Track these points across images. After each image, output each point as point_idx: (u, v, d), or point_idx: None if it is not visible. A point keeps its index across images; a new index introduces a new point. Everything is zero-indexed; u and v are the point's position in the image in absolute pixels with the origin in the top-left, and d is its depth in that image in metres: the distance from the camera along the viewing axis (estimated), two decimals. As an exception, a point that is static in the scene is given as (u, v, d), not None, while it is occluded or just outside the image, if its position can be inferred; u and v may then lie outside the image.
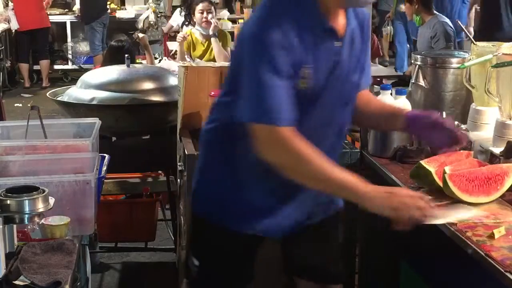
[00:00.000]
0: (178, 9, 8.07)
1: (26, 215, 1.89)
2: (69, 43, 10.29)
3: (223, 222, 2.12)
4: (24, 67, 9.50)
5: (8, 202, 1.87)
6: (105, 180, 3.12)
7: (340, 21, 1.99)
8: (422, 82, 3.04)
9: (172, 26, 8.01)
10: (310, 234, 2.25)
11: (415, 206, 1.88)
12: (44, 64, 9.50)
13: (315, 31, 1.93)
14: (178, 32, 6.21)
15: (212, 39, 5.43)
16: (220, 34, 5.65)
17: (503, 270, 1.77)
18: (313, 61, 1.93)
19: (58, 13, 10.38)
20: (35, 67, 9.77)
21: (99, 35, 9.52)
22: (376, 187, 1.91)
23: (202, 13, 5.54)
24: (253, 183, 2.08)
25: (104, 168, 2.61)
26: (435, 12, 5.83)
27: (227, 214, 2.13)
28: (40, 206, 1.91)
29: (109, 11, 9.90)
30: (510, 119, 2.56)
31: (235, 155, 2.08)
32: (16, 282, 1.83)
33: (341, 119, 2.12)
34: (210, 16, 5.50)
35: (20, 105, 8.36)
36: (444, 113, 2.79)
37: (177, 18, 7.92)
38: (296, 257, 2.33)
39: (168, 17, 9.61)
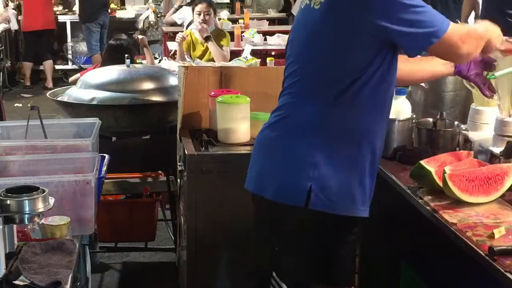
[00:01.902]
0: (189, 7, 7.93)
1: (26, 215, 1.89)
2: (69, 43, 10.30)
3: (352, 211, 2.17)
4: (27, 65, 9.47)
5: (8, 202, 1.87)
6: (105, 180, 3.12)
7: None
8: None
9: (175, 22, 7.95)
10: None
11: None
12: (48, 64, 9.45)
13: None
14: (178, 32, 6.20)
15: (208, 43, 5.42)
16: (219, 34, 5.65)
17: (503, 270, 1.77)
18: None
19: (58, 13, 10.39)
20: (35, 68, 9.74)
21: (96, 35, 9.50)
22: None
23: (199, 14, 5.54)
24: (367, 161, 2.17)
25: (104, 168, 2.61)
26: None
27: (355, 201, 2.17)
28: (40, 206, 1.91)
29: (109, 11, 9.89)
30: (510, 116, 2.56)
31: (357, 133, 2.16)
32: (16, 282, 1.83)
33: None
34: (207, 18, 5.50)
35: (20, 105, 8.36)
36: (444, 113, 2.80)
37: (184, 15, 7.82)
38: None
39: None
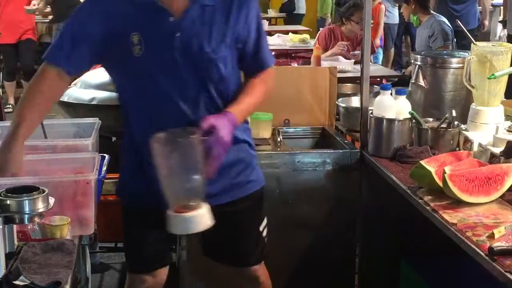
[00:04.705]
0: None
1: (26, 215, 1.88)
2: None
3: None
4: (8, 85, 8.29)
5: (8, 202, 1.87)
6: (105, 180, 3.12)
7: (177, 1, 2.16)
8: (422, 82, 3.05)
9: None
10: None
11: None
12: (11, 86, 8.26)
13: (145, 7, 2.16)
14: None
15: None
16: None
17: (503, 270, 1.77)
18: (141, 31, 2.15)
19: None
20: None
21: None
22: None
23: None
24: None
25: (104, 168, 2.61)
26: (432, 11, 5.84)
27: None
28: (40, 206, 1.90)
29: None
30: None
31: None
32: (16, 282, 1.83)
33: (195, 92, 2.20)
34: None
35: (20, 105, 8.28)
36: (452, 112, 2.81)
37: None
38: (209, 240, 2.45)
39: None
